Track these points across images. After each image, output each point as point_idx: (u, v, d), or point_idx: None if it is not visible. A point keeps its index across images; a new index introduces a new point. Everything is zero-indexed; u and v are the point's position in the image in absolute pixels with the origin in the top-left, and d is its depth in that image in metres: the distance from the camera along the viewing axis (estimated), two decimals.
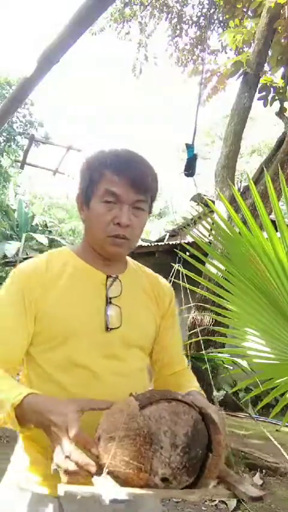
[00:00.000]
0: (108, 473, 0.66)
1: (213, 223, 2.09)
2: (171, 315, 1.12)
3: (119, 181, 0.94)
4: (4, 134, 14.51)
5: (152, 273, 1.15)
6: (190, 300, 3.27)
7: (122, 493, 0.62)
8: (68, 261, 1.02)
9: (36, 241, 15.43)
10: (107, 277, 1.01)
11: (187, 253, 2.13)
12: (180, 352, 1.17)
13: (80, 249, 1.06)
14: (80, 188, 1.02)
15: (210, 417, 0.74)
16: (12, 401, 0.80)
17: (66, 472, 0.68)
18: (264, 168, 4.10)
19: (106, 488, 0.62)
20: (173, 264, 3.33)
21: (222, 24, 7.44)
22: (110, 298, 0.99)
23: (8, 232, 16.45)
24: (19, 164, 8.29)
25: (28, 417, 0.80)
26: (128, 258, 1.11)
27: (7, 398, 0.81)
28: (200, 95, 3.75)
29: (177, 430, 0.69)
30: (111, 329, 0.97)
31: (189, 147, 1.92)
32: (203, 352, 3.12)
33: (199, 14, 7.75)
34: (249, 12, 6.00)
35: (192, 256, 2.08)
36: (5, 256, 13.89)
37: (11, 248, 13.90)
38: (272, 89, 5.42)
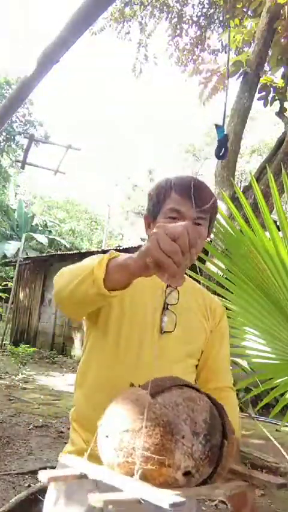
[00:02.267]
0: (123, 472, 0.61)
1: (214, 222, 2.08)
2: (219, 331, 1.18)
3: (182, 200, 1.05)
4: (4, 134, 14.51)
5: (205, 290, 1.25)
6: None
7: (175, 496, 0.55)
8: None
9: (36, 241, 15.47)
10: (167, 286, 1.09)
11: None
12: (226, 371, 1.20)
13: None
14: (147, 209, 1.13)
15: (219, 404, 0.70)
16: (99, 262, 0.84)
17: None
18: (267, 167, 4.10)
19: (153, 491, 0.55)
20: None
21: (222, 24, 7.43)
22: (168, 305, 1.08)
23: (8, 232, 16.47)
24: (19, 164, 8.28)
25: (116, 272, 0.82)
26: (185, 277, 1.19)
27: (91, 264, 0.86)
28: (227, 74, 3.70)
29: (196, 417, 0.63)
30: (165, 332, 1.06)
31: (219, 128, 1.86)
32: None
33: (199, 13, 7.74)
34: (249, 12, 6.00)
35: None
36: (5, 256, 13.91)
37: (11, 248, 13.93)
38: (272, 89, 5.42)
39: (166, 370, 0.98)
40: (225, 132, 1.87)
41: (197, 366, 1.15)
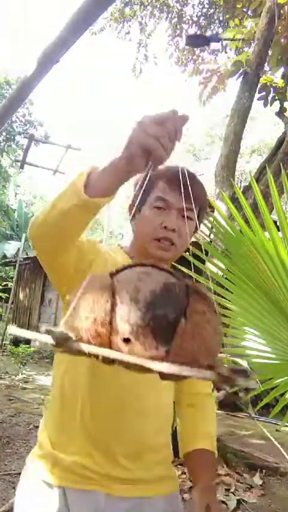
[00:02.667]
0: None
1: (214, 222, 2.08)
2: None
3: (169, 189, 1.01)
4: (4, 134, 14.51)
5: None
6: None
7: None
8: (119, 258, 1.05)
9: None
10: None
11: (187, 252, 2.13)
12: None
13: (128, 249, 1.11)
14: (132, 198, 1.06)
15: (196, 288, 0.64)
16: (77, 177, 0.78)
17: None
18: (267, 167, 4.10)
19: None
20: (174, 263, 3.33)
21: (222, 24, 7.43)
22: None
23: (8, 232, 16.47)
24: (19, 164, 8.28)
25: (98, 176, 0.77)
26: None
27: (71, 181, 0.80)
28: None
29: (141, 286, 0.60)
30: None
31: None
32: None
33: (199, 13, 7.75)
34: (249, 12, 6.00)
35: (192, 255, 2.07)
36: (4, 256, 13.91)
37: (11, 248, 13.93)
38: (272, 89, 5.42)
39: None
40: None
41: None
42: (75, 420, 0.97)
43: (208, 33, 7.53)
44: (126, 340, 0.58)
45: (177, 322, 0.59)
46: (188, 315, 0.60)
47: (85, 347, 0.56)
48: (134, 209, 1.06)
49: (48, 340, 0.55)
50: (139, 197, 1.04)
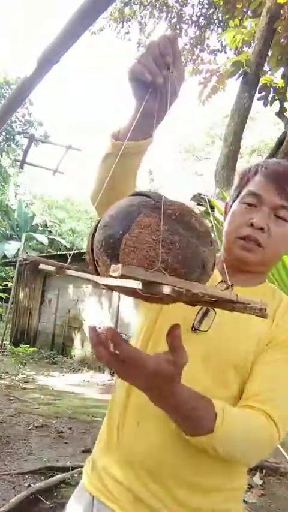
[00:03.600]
0: None
1: (214, 222, 2.08)
2: (285, 343, 0.87)
3: (265, 183, 0.89)
4: (3, 134, 14.52)
5: (282, 293, 0.97)
6: None
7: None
8: None
9: (36, 241, 15.46)
10: (220, 281, 0.89)
11: None
12: (272, 394, 0.82)
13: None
14: (231, 196, 0.97)
15: (157, 205, 0.62)
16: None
17: None
18: None
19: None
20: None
21: (222, 24, 7.44)
22: None
23: (8, 232, 16.46)
24: (19, 164, 8.28)
25: (124, 125, 0.81)
26: (269, 284, 0.97)
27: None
28: None
29: (108, 213, 0.64)
30: (196, 330, 0.85)
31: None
32: None
33: (199, 13, 7.75)
34: (249, 12, 6.00)
35: None
36: (5, 256, 13.91)
37: (11, 248, 13.93)
38: (272, 89, 5.42)
39: (192, 378, 0.74)
40: None
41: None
42: (112, 435, 0.93)
43: (207, 34, 7.54)
44: (97, 263, 0.63)
45: (121, 238, 0.60)
46: (130, 230, 0.60)
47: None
48: (227, 207, 0.96)
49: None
50: (233, 195, 0.95)
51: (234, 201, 0.94)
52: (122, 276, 0.51)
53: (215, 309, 0.81)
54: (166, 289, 0.51)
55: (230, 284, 0.71)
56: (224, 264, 0.90)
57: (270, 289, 0.96)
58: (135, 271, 0.52)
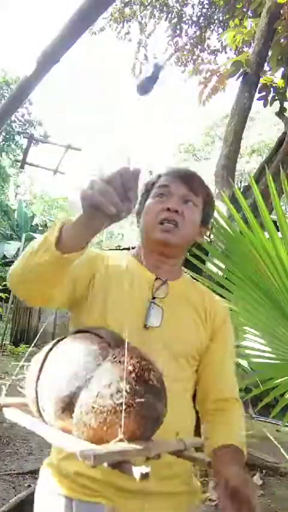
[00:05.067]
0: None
1: (214, 222, 2.08)
2: (222, 337, 1.07)
3: (171, 178, 1.04)
4: (3, 134, 14.52)
5: (209, 291, 1.15)
6: None
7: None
8: (124, 259, 1.06)
9: None
10: (156, 278, 1.03)
11: (188, 252, 2.13)
12: (229, 380, 1.07)
13: (135, 252, 1.11)
14: (138, 202, 1.08)
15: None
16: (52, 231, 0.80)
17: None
18: (266, 167, 4.10)
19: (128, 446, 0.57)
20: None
21: (222, 24, 7.43)
22: (154, 298, 1.00)
23: (8, 232, 16.46)
24: (19, 164, 8.28)
25: (68, 231, 0.78)
26: (186, 275, 1.14)
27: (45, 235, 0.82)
28: None
29: (63, 361, 0.68)
30: (149, 327, 0.97)
31: (156, 65, 1.60)
32: None
33: (199, 13, 7.75)
34: (249, 12, 6.00)
35: (193, 255, 2.08)
36: (4, 257, 13.89)
37: (11, 248, 13.91)
38: (272, 89, 5.42)
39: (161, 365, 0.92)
40: (159, 73, 1.61)
41: (196, 370, 1.05)
42: None
43: (208, 34, 7.54)
44: (43, 409, 0.66)
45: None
46: (89, 388, 0.62)
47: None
48: (138, 209, 1.08)
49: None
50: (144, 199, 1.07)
51: (144, 201, 1.07)
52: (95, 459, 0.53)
53: (161, 305, 0.99)
54: (127, 467, 0.55)
55: (164, 279, 1.02)
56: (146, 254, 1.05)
57: (187, 278, 1.13)
58: (104, 457, 0.54)
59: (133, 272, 1.03)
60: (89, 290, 0.98)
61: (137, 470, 0.53)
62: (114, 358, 0.63)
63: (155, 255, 1.05)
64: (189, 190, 1.03)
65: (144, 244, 1.07)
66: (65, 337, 0.76)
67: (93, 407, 0.58)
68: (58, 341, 0.75)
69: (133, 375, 0.61)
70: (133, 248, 1.16)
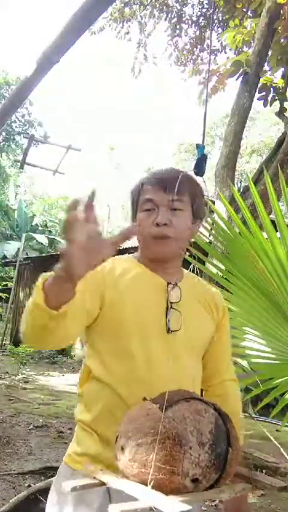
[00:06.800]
0: (138, 481, 0.67)
1: (213, 223, 2.08)
2: (224, 327, 1.17)
3: (152, 188, 1.07)
4: (3, 134, 14.52)
5: (207, 284, 1.23)
6: None
7: (182, 504, 0.61)
8: (131, 266, 1.10)
9: (36, 241, 15.45)
10: (168, 283, 1.07)
11: (187, 253, 2.13)
12: (229, 364, 1.21)
13: (138, 256, 1.15)
14: (131, 210, 1.14)
15: (225, 413, 0.75)
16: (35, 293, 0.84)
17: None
18: (264, 168, 4.10)
19: (164, 500, 0.61)
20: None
21: (222, 24, 7.43)
22: (171, 303, 1.05)
23: (8, 232, 16.46)
24: (19, 164, 8.28)
25: (52, 288, 0.82)
26: (183, 270, 1.18)
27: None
28: (206, 95, 3.75)
29: (202, 428, 0.69)
30: (172, 331, 1.03)
31: (200, 147, 1.99)
32: None
33: (199, 13, 7.75)
34: (249, 12, 6.00)
35: (192, 256, 2.08)
36: (4, 257, 13.90)
37: (11, 248, 13.92)
38: (272, 89, 5.42)
39: (179, 371, 1.01)
40: (204, 152, 1.98)
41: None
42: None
43: (208, 34, 7.53)
44: (195, 480, 0.67)
45: (227, 452, 0.71)
46: (232, 443, 0.71)
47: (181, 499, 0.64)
48: (131, 216, 1.12)
49: None
50: (135, 207, 1.11)
51: (134, 212, 1.12)
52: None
53: (177, 309, 1.04)
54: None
55: (174, 283, 1.07)
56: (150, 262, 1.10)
57: (188, 274, 1.18)
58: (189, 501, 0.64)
59: (143, 279, 1.08)
60: (104, 307, 1.02)
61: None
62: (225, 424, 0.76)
63: (158, 263, 1.09)
64: (174, 196, 1.04)
65: (145, 254, 1.11)
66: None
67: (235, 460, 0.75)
68: None
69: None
70: (133, 248, 1.19)
